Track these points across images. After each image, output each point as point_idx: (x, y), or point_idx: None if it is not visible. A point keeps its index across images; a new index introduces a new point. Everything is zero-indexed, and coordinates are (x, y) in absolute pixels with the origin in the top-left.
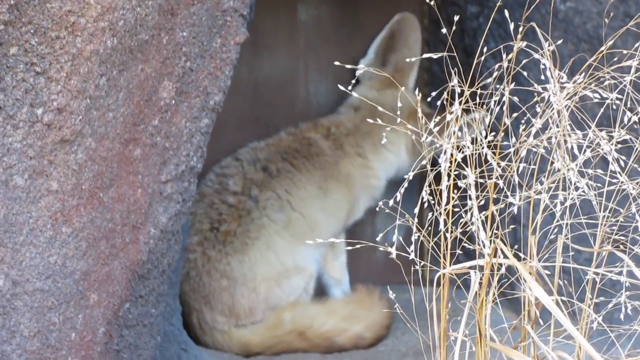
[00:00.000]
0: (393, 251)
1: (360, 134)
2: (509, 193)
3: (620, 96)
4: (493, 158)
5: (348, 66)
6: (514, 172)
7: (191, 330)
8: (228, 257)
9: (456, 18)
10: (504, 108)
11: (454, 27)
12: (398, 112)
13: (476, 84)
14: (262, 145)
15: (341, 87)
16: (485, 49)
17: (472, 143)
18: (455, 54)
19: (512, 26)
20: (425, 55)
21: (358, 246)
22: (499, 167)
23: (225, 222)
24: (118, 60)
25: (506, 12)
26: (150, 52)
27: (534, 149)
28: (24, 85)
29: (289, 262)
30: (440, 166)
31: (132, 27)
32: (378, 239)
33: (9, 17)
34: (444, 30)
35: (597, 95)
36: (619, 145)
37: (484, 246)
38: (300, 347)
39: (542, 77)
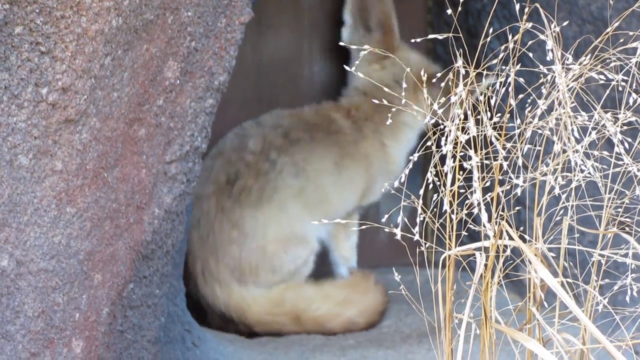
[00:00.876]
0: (398, 232)
1: (380, 119)
2: (513, 176)
3: (626, 77)
4: (498, 139)
5: (353, 47)
6: (519, 153)
7: (192, 279)
8: (242, 210)
9: None
10: (510, 89)
11: (459, 9)
12: (404, 89)
13: (481, 66)
14: (285, 114)
15: (347, 68)
16: (490, 30)
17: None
18: (460, 35)
19: (517, 7)
20: (431, 36)
21: (362, 227)
22: (504, 149)
23: (242, 177)
24: (123, 39)
25: None
26: (155, 31)
27: (539, 131)
28: (29, 65)
29: (298, 230)
30: (445, 147)
31: (137, 7)
32: (383, 220)
33: None
34: (449, 11)
35: (602, 77)
36: (625, 127)
37: (488, 228)
38: (291, 331)
39: (548, 59)
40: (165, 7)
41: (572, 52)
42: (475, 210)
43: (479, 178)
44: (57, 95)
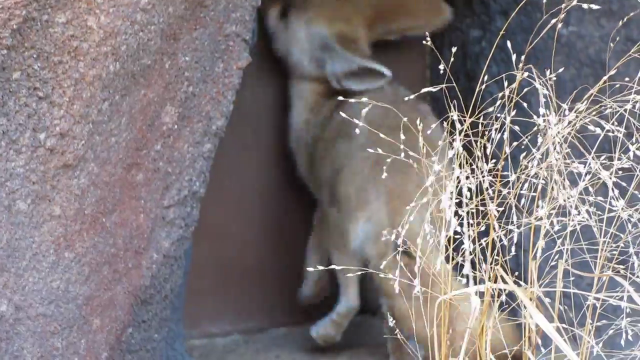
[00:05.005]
0: (394, 277)
1: None
2: (510, 221)
3: (620, 128)
4: (493, 186)
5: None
6: (512, 199)
7: None
8: None
9: (454, 50)
10: (505, 137)
11: (451, 59)
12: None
13: (476, 113)
14: None
15: (343, 115)
16: (486, 77)
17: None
18: (454, 85)
19: (514, 57)
20: (425, 90)
21: (359, 273)
22: (500, 194)
23: None
24: (120, 85)
25: (508, 43)
26: (152, 76)
27: (534, 180)
28: (27, 110)
29: None
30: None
31: (135, 52)
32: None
33: (11, 41)
34: (441, 67)
35: (598, 129)
36: (620, 173)
37: (483, 272)
38: None
39: (541, 111)
40: (163, 52)
41: (569, 97)
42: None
43: (477, 223)
44: (55, 141)
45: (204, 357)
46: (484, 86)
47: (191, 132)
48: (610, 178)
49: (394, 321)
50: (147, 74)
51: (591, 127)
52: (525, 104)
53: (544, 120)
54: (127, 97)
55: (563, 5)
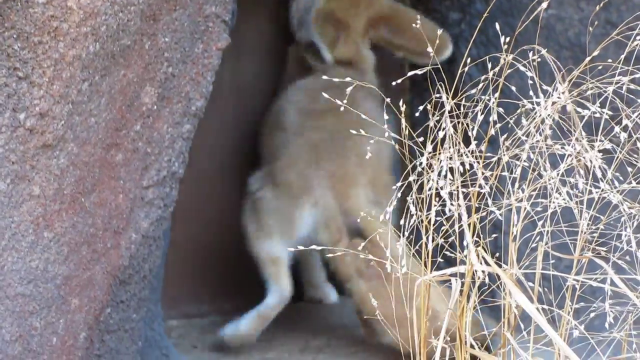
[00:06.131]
0: (374, 258)
1: None
2: (490, 202)
3: (604, 110)
4: (477, 168)
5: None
6: (494, 180)
7: None
8: None
9: (439, 32)
10: (490, 119)
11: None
12: None
13: (459, 94)
14: None
15: (325, 95)
16: (469, 60)
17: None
18: (439, 66)
19: (502, 39)
20: (410, 73)
21: (339, 253)
22: (483, 176)
23: None
24: (100, 65)
25: (497, 25)
26: (132, 57)
27: (517, 162)
28: (7, 90)
29: None
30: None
31: (115, 33)
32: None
33: None
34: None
35: (580, 109)
36: (602, 155)
37: (464, 254)
38: None
39: (526, 87)
40: (143, 32)
41: (549, 79)
42: (452, 236)
43: (457, 204)
44: (35, 121)
45: (182, 337)
46: (467, 68)
47: (170, 113)
48: (593, 161)
49: (356, 303)
50: (126, 55)
51: (578, 109)
52: (513, 87)
53: (532, 103)
54: (106, 78)
55: None
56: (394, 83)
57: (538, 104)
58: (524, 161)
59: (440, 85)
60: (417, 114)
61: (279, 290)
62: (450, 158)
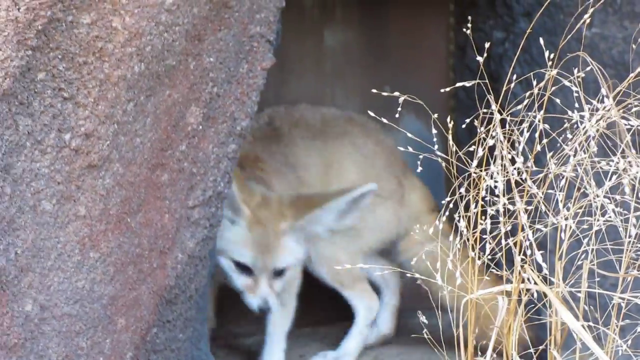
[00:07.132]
0: (419, 277)
1: None
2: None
3: None
4: (524, 184)
5: (384, 93)
6: (540, 199)
7: None
8: None
9: (487, 45)
10: (536, 135)
11: (484, 54)
12: None
13: (505, 112)
14: None
15: (370, 114)
16: (514, 77)
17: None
18: (487, 81)
19: (547, 54)
20: (458, 85)
21: (386, 271)
22: (527, 194)
23: None
24: (145, 85)
25: (541, 40)
26: (177, 77)
27: (564, 173)
28: (52, 111)
29: None
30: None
31: (160, 53)
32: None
33: (36, 42)
34: (479, 58)
35: (626, 121)
36: None
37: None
38: None
39: (571, 106)
40: (188, 53)
41: (594, 97)
42: (498, 254)
43: (504, 222)
44: (80, 141)
45: (229, 357)
46: (512, 85)
47: (216, 133)
48: (637, 176)
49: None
50: (171, 75)
51: (620, 123)
52: (558, 100)
53: (579, 116)
54: (151, 98)
55: (590, 7)
56: (442, 90)
57: (583, 117)
58: (571, 178)
59: (488, 100)
60: (462, 126)
61: None
62: (499, 173)
